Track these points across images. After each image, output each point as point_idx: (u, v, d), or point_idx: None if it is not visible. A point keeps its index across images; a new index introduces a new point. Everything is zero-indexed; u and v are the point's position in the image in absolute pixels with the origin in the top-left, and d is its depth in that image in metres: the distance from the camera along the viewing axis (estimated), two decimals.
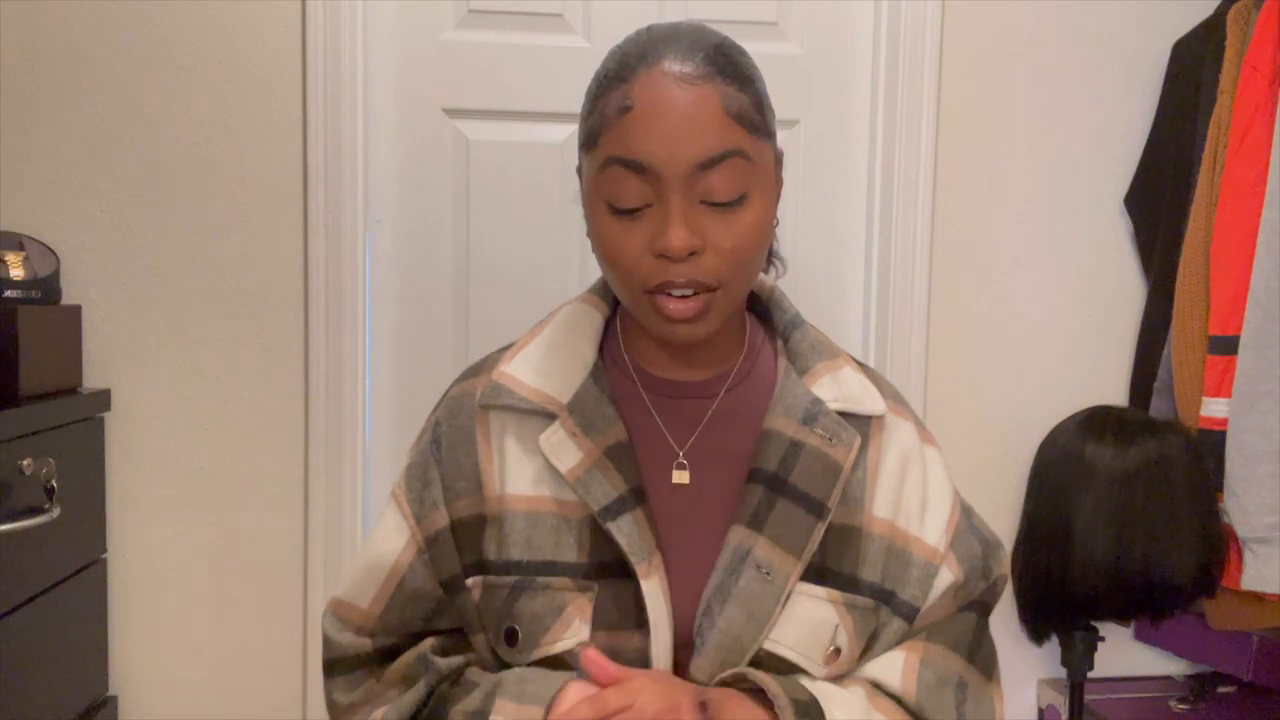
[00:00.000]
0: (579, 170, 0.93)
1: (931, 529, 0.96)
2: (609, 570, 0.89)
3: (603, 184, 0.86)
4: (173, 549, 1.71)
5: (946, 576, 0.96)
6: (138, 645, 1.71)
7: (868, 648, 0.94)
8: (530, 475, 0.92)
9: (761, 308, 1.04)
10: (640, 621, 0.88)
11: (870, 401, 0.97)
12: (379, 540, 0.97)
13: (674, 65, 0.85)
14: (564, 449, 0.91)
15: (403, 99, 1.77)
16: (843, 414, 0.95)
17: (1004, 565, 1.01)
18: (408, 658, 0.96)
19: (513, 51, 1.78)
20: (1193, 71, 1.80)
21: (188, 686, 1.73)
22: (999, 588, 1.01)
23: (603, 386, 0.94)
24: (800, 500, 0.91)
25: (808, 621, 0.90)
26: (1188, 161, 1.79)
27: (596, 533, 0.90)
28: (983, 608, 1.00)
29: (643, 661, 0.88)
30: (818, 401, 0.95)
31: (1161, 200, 1.85)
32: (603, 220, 0.87)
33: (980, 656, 0.97)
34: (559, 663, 0.89)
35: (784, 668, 0.90)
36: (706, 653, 0.88)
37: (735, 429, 0.96)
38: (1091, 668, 1.74)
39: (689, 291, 0.86)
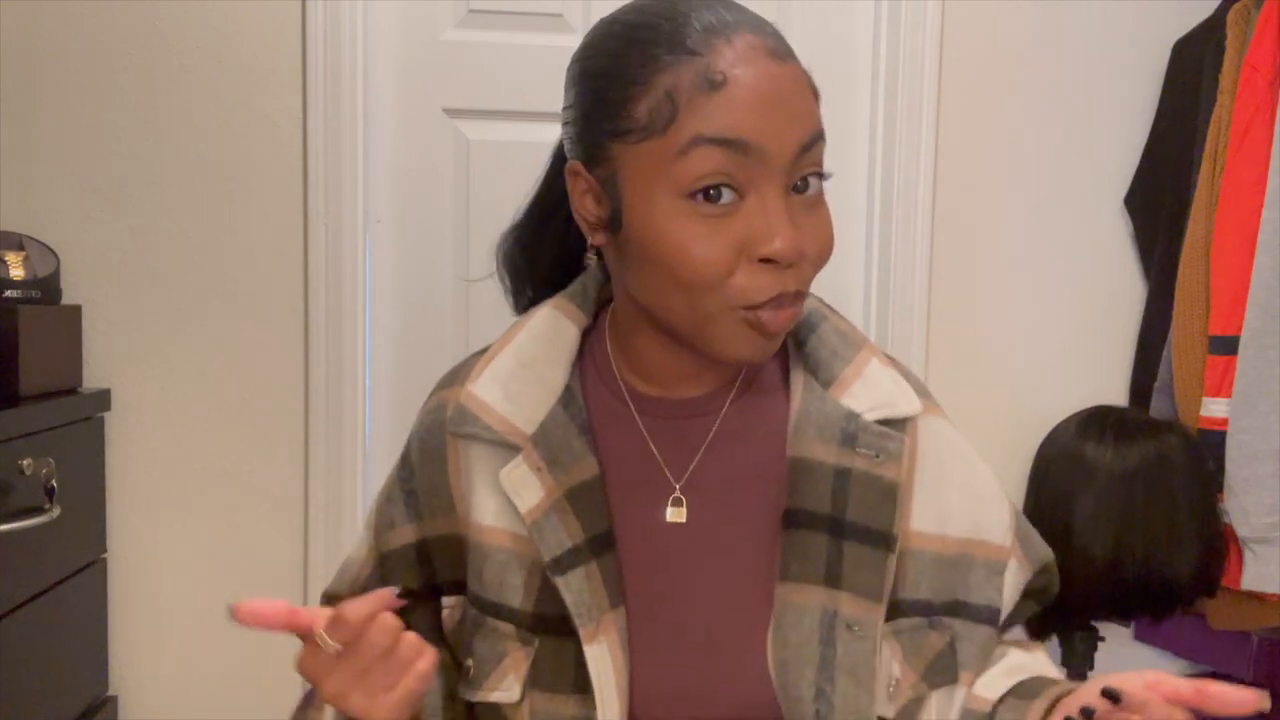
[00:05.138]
0: (585, 165, 0.79)
1: (995, 532, 0.87)
2: (552, 625, 0.80)
3: (684, 172, 0.71)
4: (173, 549, 1.71)
5: (1016, 571, 0.88)
6: (138, 645, 1.71)
7: (940, 667, 0.83)
8: (493, 507, 0.83)
9: None
10: (581, 687, 0.78)
11: (905, 401, 0.84)
12: (352, 550, 0.97)
13: (757, 38, 0.73)
14: (526, 486, 0.80)
15: (403, 99, 1.77)
16: (881, 422, 0.82)
17: (1048, 550, 0.94)
18: None
19: (513, 51, 1.78)
20: (1193, 71, 1.80)
21: (188, 686, 1.73)
22: (1053, 572, 0.93)
23: (573, 413, 0.82)
24: (865, 538, 0.79)
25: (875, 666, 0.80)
26: (1188, 161, 1.79)
27: (548, 580, 0.80)
28: (1041, 596, 0.93)
29: None
30: (852, 416, 0.81)
31: (1161, 200, 1.85)
32: (675, 220, 0.72)
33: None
34: (497, 711, 0.83)
35: None
36: None
37: (743, 452, 0.83)
38: (1091, 668, 1.73)
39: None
